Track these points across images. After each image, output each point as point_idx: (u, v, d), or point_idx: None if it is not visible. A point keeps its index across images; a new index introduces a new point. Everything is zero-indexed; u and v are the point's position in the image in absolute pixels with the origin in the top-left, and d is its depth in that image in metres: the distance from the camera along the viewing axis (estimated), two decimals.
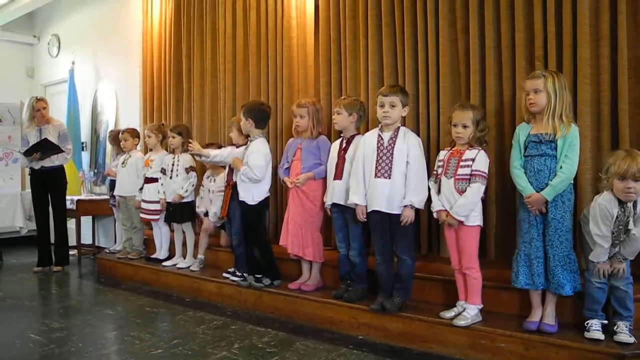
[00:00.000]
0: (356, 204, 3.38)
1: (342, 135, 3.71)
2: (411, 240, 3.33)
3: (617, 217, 2.63)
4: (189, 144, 4.21)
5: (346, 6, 4.17)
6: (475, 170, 3.00)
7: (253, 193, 3.96)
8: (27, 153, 5.34)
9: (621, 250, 2.64)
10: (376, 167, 3.30)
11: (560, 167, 2.79)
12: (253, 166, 3.90)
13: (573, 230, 2.90)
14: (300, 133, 3.93)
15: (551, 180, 2.80)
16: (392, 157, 3.27)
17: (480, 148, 3.05)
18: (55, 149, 5.38)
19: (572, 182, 2.86)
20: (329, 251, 3.94)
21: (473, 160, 3.02)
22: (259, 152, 3.96)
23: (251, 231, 4.03)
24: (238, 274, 4.20)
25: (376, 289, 3.43)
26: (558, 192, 2.79)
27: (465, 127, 3.05)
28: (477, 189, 2.99)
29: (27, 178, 6.02)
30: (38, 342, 3.34)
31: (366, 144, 3.41)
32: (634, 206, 2.61)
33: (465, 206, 2.99)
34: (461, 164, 3.04)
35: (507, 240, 3.31)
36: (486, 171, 3.02)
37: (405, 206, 3.22)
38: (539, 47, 3.27)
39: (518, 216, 2.98)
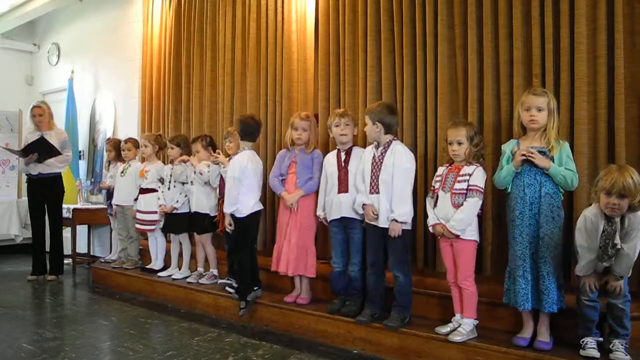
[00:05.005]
0: (364, 204, 3.35)
1: (338, 147, 3.71)
2: (403, 257, 3.31)
3: (603, 231, 2.60)
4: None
5: (346, 21, 4.20)
6: (472, 185, 3.01)
7: (238, 206, 3.87)
8: (24, 151, 5.32)
9: (614, 267, 2.60)
10: (370, 184, 3.32)
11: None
12: (227, 177, 3.91)
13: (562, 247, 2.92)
14: (298, 146, 3.89)
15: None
16: (378, 173, 3.29)
17: (478, 164, 3.06)
18: (52, 150, 5.35)
19: (562, 197, 2.88)
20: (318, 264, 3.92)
21: (470, 175, 3.03)
22: (231, 163, 3.92)
23: (236, 243, 3.98)
24: (235, 285, 4.17)
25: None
26: (556, 176, 2.81)
27: (460, 144, 3.06)
28: (473, 204, 3.00)
29: (24, 186, 6.00)
30: (31, 352, 3.32)
31: (364, 160, 3.43)
32: (622, 221, 2.58)
33: (463, 220, 3.00)
34: (459, 178, 3.06)
35: (503, 256, 3.31)
36: (483, 187, 3.04)
37: (390, 220, 3.24)
38: (537, 64, 3.30)
39: (508, 233, 3.00)
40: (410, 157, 3.34)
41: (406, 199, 3.25)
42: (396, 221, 3.22)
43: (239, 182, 3.83)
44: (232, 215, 3.91)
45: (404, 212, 3.23)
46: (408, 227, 3.31)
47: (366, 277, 3.44)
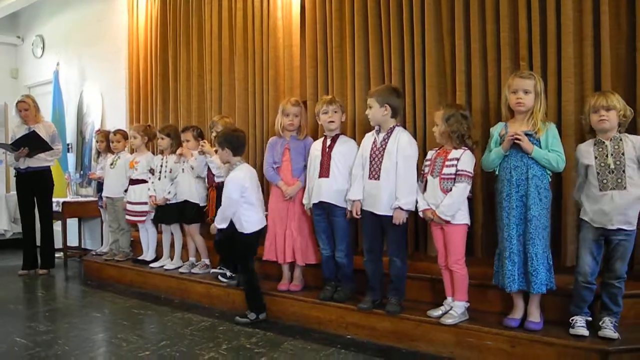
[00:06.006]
0: (352, 200, 3.36)
1: (325, 134, 3.68)
2: (402, 242, 3.32)
3: (596, 157, 2.74)
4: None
5: (332, 7, 4.18)
6: (461, 170, 3.02)
7: (242, 223, 3.65)
8: (15, 144, 5.26)
9: None
10: (370, 169, 3.31)
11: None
12: (224, 199, 3.63)
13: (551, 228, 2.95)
14: (289, 132, 3.85)
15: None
16: (381, 159, 3.28)
17: (465, 148, 3.07)
18: (43, 145, 5.30)
19: (549, 179, 2.90)
20: None
21: (458, 159, 3.04)
22: (230, 182, 3.64)
23: (236, 260, 3.93)
24: (228, 274, 4.17)
25: (364, 289, 3.44)
26: (540, 160, 2.83)
27: (437, 125, 3.13)
28: (462, 189, 3.02)
29: (13, 180, 5.95)
30: (24, 346, 3.31)
31: (364, 146, 3.41)
32: (616, 144, 2.71)
33: (452, 206, 3.01)
34: (447, 163, 3.06)
35: (494, 238, 3.33)
36: (471, 171, 3.05)
37: (395, 208, 3.21)
38: (524, 47, 3.30)
39: (496, 215, 3.02)
40: (414, 144, 3.32)
41: (412, 187, 3.21)
42: (401, 209, 3.20)
43: (236, 202, 3.61)
44: (235, 231, 3.70)
45: (410, 200, 3.19)
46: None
47: (364, 264, 3.41)
